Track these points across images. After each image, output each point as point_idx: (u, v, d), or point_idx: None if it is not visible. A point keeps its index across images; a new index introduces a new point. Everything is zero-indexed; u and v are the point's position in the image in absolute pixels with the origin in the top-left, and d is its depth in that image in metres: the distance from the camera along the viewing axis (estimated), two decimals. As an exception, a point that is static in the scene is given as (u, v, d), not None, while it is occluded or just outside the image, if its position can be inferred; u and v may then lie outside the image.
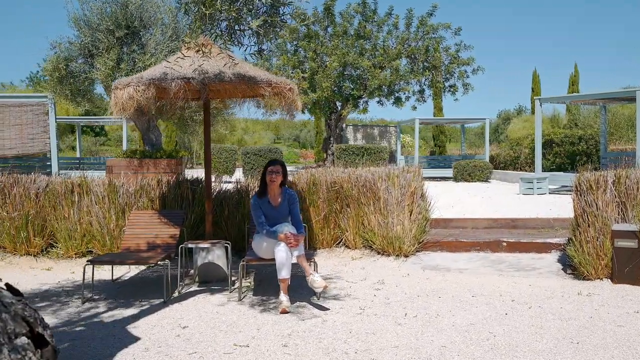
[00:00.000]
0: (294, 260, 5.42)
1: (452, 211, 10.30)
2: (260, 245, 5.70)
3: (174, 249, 6.52)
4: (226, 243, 6.43)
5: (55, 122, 13.18)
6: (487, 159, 21.78)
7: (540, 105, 16.00)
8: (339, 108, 24.12)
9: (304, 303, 5.57)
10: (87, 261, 5.74)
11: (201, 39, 6.10)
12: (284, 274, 5.35)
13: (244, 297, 5.86)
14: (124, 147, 19.79)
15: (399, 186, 7.79)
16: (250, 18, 4.23)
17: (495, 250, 7.71)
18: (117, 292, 6.17)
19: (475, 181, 19.84)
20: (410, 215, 7.74)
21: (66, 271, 7.22)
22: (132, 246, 6.69)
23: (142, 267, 7.31)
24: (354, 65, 22.04)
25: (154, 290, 6.10)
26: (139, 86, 5.87)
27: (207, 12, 3.86)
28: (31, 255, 7.87)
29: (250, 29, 4.13)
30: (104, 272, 7.02)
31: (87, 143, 32.10)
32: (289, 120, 7.31)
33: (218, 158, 18.85)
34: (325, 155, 24.65)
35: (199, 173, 18.77)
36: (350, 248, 8.08)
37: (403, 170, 8.17)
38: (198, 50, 5.42)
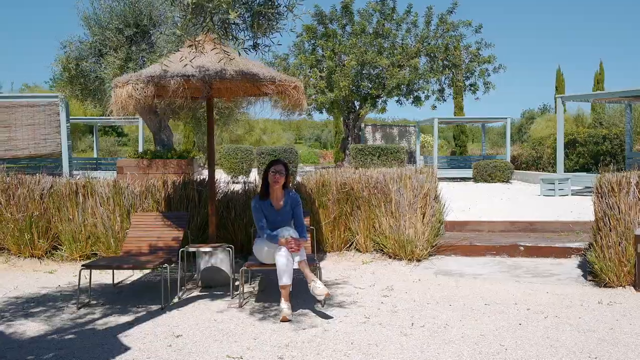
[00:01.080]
0: (296, 266, 5.17)
1: (469, 213, 9.97)
2: (262, 249, 5.46)
3: (177, 252, 6.31)
4: (228, 247, 6.20)
5: (68, 122, 13.09)
6: (508, 159, 21.32)
7: (563, 104, 15.55)
8: (357, 107, 23.82)
9: (306, 310, 5.32)
10: (82, 265, 5.54)
11: (202, 36, 5.91)
12: (285, 280, 5.09)
13: (245, 303, 5.62)
14: (140, 147, 19.73)
15: (411, 188, 7.49)
16: (243, 11, 3.99)
17: (512, 254, 7.39)
18: (116, 297, 5.97)
19: (495, 182, 19.41)
20: (423, 217, 7.44)
21: (69, 274, 7.05)
22: (134, 249, 6.50)
23: (145, 271, 7.10)
24: (372, 64, 21.71)
25: (155, 295, 5.88)
26: (137, 84, 5.67)
27: (191, 2, 3.63)
28: (35, 257, 7.72)
29: (235, 22, 3.87)
30: (105, 276, 6.83)
31: (106, 143, 32.19)
32: (296, 119, 7.05)
33: (234, 158, 18.68)
34: (343, 155, 24.36)
35: (216, 174, 18.67)
36: (361, 252, 7.81)
37: (416, 171, 7.88)
38: (190, 45, 5.19)
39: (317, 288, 5.03)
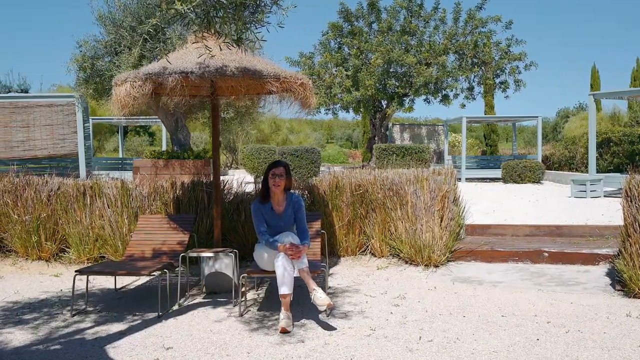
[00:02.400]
0: (297, 274, 4.86)
1: (493, 216, 9.55)
2: (262, 256, 5.16)
3: (180, 257, 6.06)
4: (231, 251, 5.92)
5: (88, 122, 13.00)
6: (540, 159, 20.67)
7: (595, 101, 14.93)
8: (384, 107, 23.41)
9: (309, 321, 5.01)
10: (76, 271, 5.32)
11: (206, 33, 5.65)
12: (285, 289, 4.79)
13: (246, 312, 5.34)
14: (164, 147, 19.66)
15: (429, 189, 7.13)
16: (225, 1, 3.69)
17: (536, 261, 6.97)
18: (115, 303, 5.75)
19: (525, 182, 18.82)
20: (441, 221, 7.07)
21: (71, 278, 6.85)
22: (137, 253, 6.28)
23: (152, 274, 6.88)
24: (399, 62, 21.28)
25: (156, 302, 5.61)
26: (135, 82, 5.43)
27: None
28: (43, 260, 7.57)
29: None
30: (109, 280, 6.62)
31: (133, 143, 32.31)
32: (305, 117, 6.75)
33: (257, 158, 18.49)
34: (370, 155, 23.98)
35: (239, 174, 18.46)
36: (376, 256, 7.47)
37: (434, 172, 7.50)
38: (194, 42, 4.93)
39: (319, 298, 4.71)
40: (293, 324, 4.85)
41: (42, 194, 7.59)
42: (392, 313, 5.23)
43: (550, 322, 4.90)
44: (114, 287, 6.36)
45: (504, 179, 19.40)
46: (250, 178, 16.99)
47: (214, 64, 5.44)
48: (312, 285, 4.79)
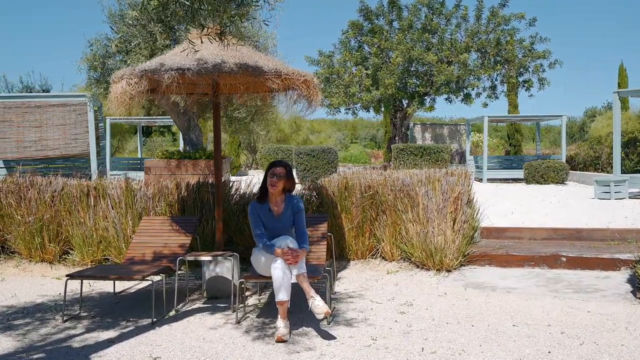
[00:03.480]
0: (294, 280, 4.62)
1: (510, 218, 9.21)
2: (259, 260, 4.94)
3: (181, 260, 5.87)
4: (230, 255, 5.71)
5: (102, 122, 12.93)
6: (564, 159, 20.14)
7: (620, 100, 14.44)
8: (405, 106, 23.07)
9: (308, 329, 4.77)
10: (67, 275, 5.15)
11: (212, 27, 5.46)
12: (282, 296, 4.56)
13: (244, 318, 5.12)
14: (181, 147, 19.57)
15: (440, 191, 6.84)
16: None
17: (553, 266, 6.65)
18: (111, 307, 5.57)
19: (548, 183, 18.33)
20: (454, 224, 6.78)
21: (75, 281, 6.68)
22: (137, 256, 6.11)
23: (154, 278, 6.70)
24: (420, 61, 20.93)
25: (155, 307, 5.41)
26: (131, 78, 5.26)
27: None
28: (46, 262, 7.45)
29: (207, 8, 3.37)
30: (108, 284, 6.46)
31: (154, 144, 32.37)
32: (308, 115, 6.52)
33: (274, 158, 18.31)
34: (390, 155, 23.63)
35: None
36: (387, 260, 7.20)
37: (447, 172, 7.22)
38: (193, 39, 4.73)
39: (317, 306, 4.47)
40: (291, 332, 4.63)
41: (45, 195, 7.47)
42: (396, 321, 4.97)
43: (564, 333, 4.60)
44: (112, 291, 6.19)
45: (527, 180, 18.94)
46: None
47: (212, 60, 5.24)
48: (310, 292, 4.55)
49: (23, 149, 12.15)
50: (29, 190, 7.49)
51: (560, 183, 18.43)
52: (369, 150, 45.37)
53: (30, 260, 7.49)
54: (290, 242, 4.75)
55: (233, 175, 21.58)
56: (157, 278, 5.39)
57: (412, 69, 21.89)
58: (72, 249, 7.48)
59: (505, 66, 22.24)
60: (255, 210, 5.04)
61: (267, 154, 18.46)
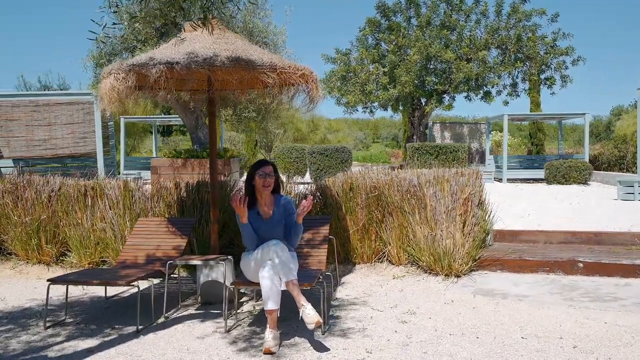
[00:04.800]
0: (283, 287, 4.32)
1: (527, 220, 8.80)
2: (248, 266, 4.65)
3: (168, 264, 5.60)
4: (223, 259, 5.42)
5: (111, 121, 12.76)
6: (587, 159, 19.57)
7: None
8: (423, 104, 22.63)
9: (301, 339, 4.47)
10: (48, 280, 4.92)
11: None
12: (271, 304, 4.26)
13: (236, 326, 4.84)
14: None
15: (449, 192, 6.49)
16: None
17: (569, 272, 6.27)
18: (100, 313, 5.33)
19: (570, 183, 17.79)
20: (464, 226, 6.43)
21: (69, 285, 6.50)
22: (129, 259, 5.87)
23: (152, 281, 6.46)
24: (438, 58, 20.48)
25: (145, 313, 5.16)
26: (119, 74, 5.02)
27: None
28: (44, 263, 7.25)
29: None
30: (100, 288, 6.22)
31: (173, 143, 32.33)
32: (310, 111, 6.22)
33: (288, 158, 18.06)
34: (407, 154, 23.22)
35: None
36: (393, 264, 6.88)
37: (456, 172, 6.87)
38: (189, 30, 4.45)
39: (308, 315, 4.16)
40: (282, 343, 4.33)
41: (42, 195, 7.27)
42: (396, 332, 4.64)
43: (577, 347, 4.24)
44: (104, 295, 5.95)
45: (548, 180, 18.41)
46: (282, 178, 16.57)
47: (203, 53, 4.97)
48: (301, 300, 4.24)
49: (32, 147, 12.02)
50: (26, 189, 7.29)
51: (582, 183, 17.88)
52: (390, 150, 44.97)
53: (27, 262, 7.30)
54: (280, 248, 4.43)
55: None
56: (145, 283, 5.14)
57: (430, 67, 21.45)
58: (69, 251, 7.27)
59: (527, 63, 21.68)
60: (243, 215, 4.74)
61: (280, 153, 18.20)
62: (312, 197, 4.70)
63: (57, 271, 7.09)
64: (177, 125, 31.98)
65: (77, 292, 6.12)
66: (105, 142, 12.41)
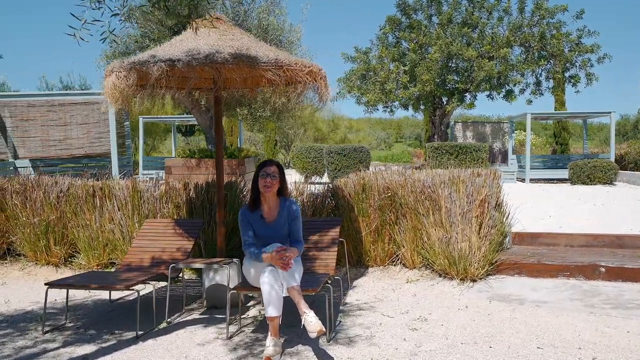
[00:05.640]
0: (286, 294, 4.14)
1: (547, 222, 8.51)
2: (249, 271, 4.47)
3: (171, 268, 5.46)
4: (228, 262, 5.26)
5: (127, 120, 12.70)
6: (612, 158, 19.08)
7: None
8: (444, 103, 22.29)
9: (304, 347, 4.28)
10: (45, 284, 4.80)
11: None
12: (272, 311, 4.07)
13: (239, 332, 4.67)
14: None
15: (465, 193, 6.26)
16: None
17: (590, 277, 5.99)
18: (100, 318, 5.19)
19: (595, 184, 17.34)
20: (480, 229, 6.19)
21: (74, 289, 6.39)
22: (134, 261, 5.74)
23: (159, 283, 6.32)
24: (460, 56, 20.14)
25: (145, 318, 5.02)
26: (120, 72, 4.87)
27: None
28: (52, 265, 7.16)
29: None
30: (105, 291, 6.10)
31: (194, 143, 32.32)
32: (319, 108, 6.02)
33: (306, 158, 17.87)
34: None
35: (292, 174, 17.90)
36: (407, 267, 6.66)
37: (472, 173, 6.63)
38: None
39: (310, 323, 3.96)
40: (283, 351, 4.15)
41: (51, 195, 7.18)
42: (405, 340, 4.44)
43: (596, 359, 3.99)
44: (109, 298, 5.83)
45: (572, 180, 17.98)
46: (298, 177, 16.40)
47: (205, 50, 4.81)
48: (303, 307, 4.05)
49: (48, 147, 12.01)
50: (35, 190, 7.21)
51: (608, 183, 17.42)
52: (412, 150, 44.56)
53: (36, 263, 7.23)
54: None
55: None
56: (150, 287, 5.00)
57: (451, 65, 21.11)
58: (78, 252, 7.18)
59: (551, 61, 21.22)
60: (246, 218, 4.56)
61: (298, 152, 18.01)
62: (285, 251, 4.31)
63: (66, 273, 6.99)
64: (198, 125, 32.04)
65: (81, 295, 6.01)
66: (120, 142, 12.35)
